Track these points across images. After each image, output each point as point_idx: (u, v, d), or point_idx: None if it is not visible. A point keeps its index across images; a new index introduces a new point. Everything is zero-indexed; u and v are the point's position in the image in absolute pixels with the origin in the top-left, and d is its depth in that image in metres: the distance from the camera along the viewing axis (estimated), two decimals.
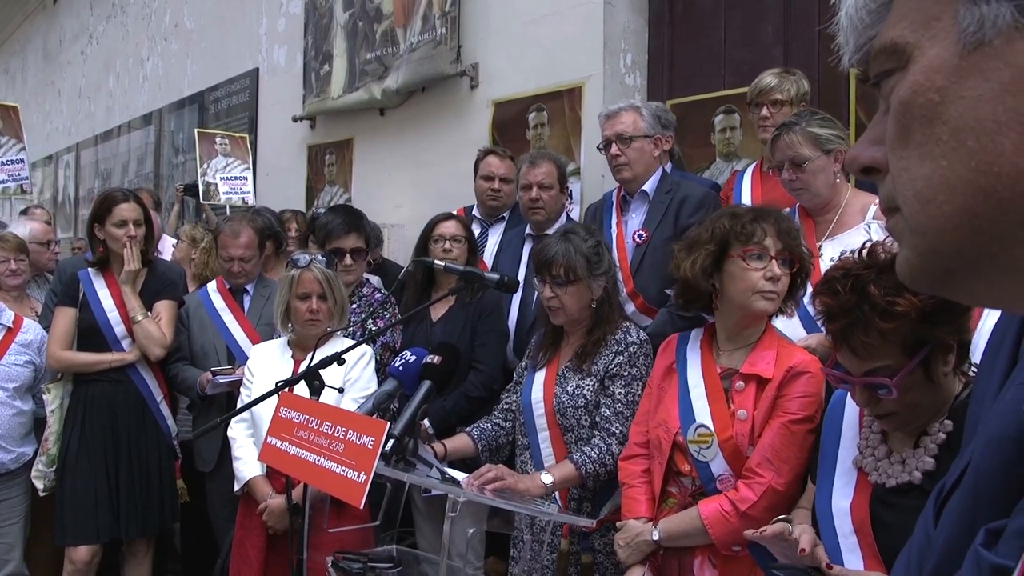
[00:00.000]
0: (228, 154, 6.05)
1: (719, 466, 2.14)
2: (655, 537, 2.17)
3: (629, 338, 2.57)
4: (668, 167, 3.43)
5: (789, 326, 2.42)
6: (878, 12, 0.62)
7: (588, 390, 2.55)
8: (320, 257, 3.11)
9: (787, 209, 2.78)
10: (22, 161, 5.95)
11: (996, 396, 0.69)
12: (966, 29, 0.55)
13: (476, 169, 4.03)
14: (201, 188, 5.99)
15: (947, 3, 0.56)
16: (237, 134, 6.44)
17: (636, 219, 3.26)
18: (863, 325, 1.62)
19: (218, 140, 6.10)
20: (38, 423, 3.70)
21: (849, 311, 1.64)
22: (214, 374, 3.48)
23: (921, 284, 0.62)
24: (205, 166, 6.00)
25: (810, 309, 2.25)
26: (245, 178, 5.99)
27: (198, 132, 6.22)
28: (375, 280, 4.06)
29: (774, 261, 2.14)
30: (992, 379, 0.73)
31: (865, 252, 1.73)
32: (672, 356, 2.34)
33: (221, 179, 5.89)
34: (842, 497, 1.79)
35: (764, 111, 3.14)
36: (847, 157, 0.69)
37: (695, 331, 2.37)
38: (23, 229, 4.56)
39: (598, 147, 3.39)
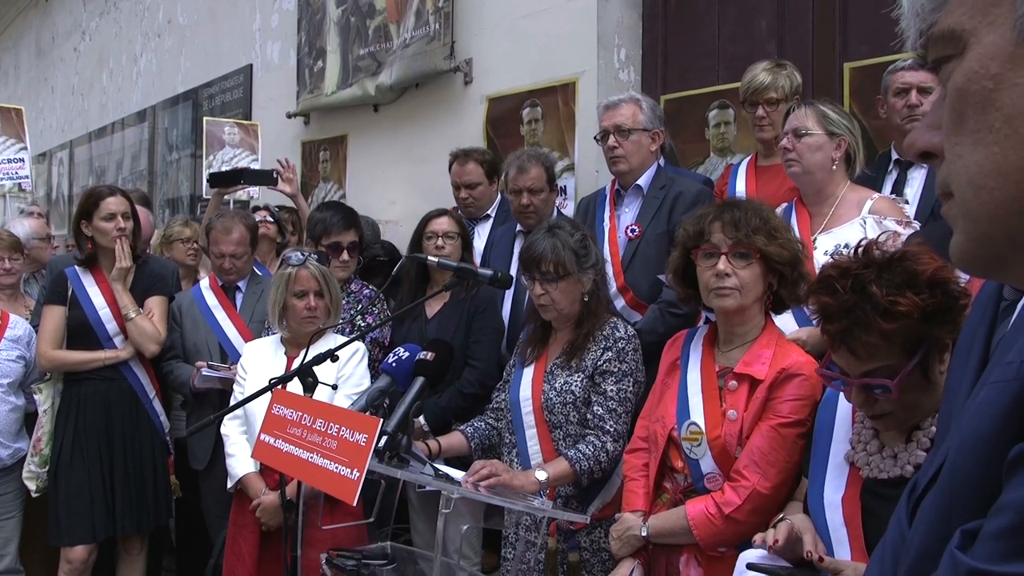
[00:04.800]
0: (236, 144, 5.84)
1: (708, 464, 2.14)
2: (644, 533, 2.18)
3: (617, 334, 2.56)
4: (661, 162, 3.42)
5: (780, 320, 2.41)
6: None
7: (576, 386, 2.54)
8: (312, 254, 3.11)
9: (783, 204, 2.79)
10: (22, 160, 5.88)
11: (968, 394, 0.69)
12: (1023, 16, 0.55)
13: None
14: (205, 184, 5.82)
15: None
16: (247, 122, 6.24)
17: (629, 213, 3.25)
18: (864, 325, 1.60)
19: (227, 129, 5.84)
20: (27, 418, 3.71)
21: (849, 311, 1.62)
22: (209, 367, 3.47)
23: (973, 269, 0.63)
24: (211, 158, 5.76)
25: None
26: None
27: (206, 120, 5.97)
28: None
29: (723, 256, 2.13)
30: (964, 377, 0.73)
31: (860, 251, 1.71)
32: (678, 352, 2.34)
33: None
34: (834, 491, 1.80)
35: (760, 111, 3.13)
36: (906, 141, 0.69)
37: (701, 328, 2.38)
38: (21, 228, 4.55)
39: (595, 138, 3.38)
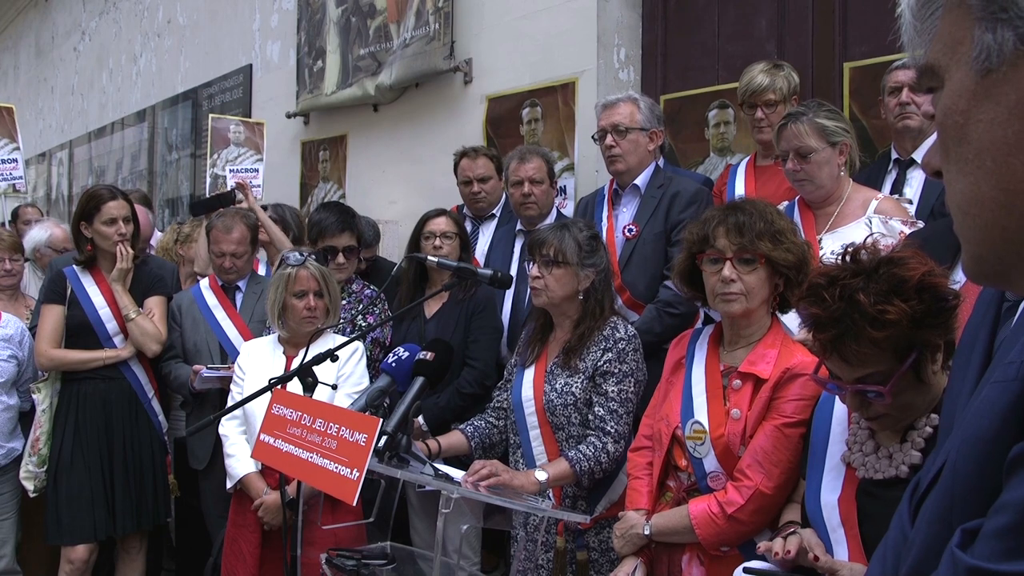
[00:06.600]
0: (241, 143, 5.73)
1: (711, 463, 2.14)
2: (646, 532, 2.18)
3: (617, 334, 2.56)
4: (660, 162, 3.42)
5: (785, 319, 2.40)
6: (924, 31, 0.66)
7: (577, 387, 2.54)
8: (311, 254, 3.11)
9: (784, 203, 2.79)
10: (15, 161, 5.84)
11: (971, 394, 0.70)
12: (978, 56, 0.58)
13: (455, 174, 4.02)
14: (208, 181, 5.76)
15: (968, 28, 0.59)
16: (253, 120, 6.12)
17: (627, 213, 3.25)
18: (854, 334, 1.59)
19: (232, 127, 5.72)
20: (22, 417, 3.70)
21: (838, 320, 1.61)
22: (208, 369, 3.47)
23: (981, 282, 0.67)
24: (215, 156, 5.63)
25: None
26: (256, 170, 5.60)
27: (212, 117, 5.85)
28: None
29: (728, 262, 2.12)
30: (967, 377, 0.73)
31: (848, 257, 1.70)
32: (683, 351, 2.35)
33: (230, 171, 5.49)
34: (830, 491, 1.80)
35: (758, 113, 3.12)
36: (923, 159, 0.73)
37: (707, 327, 2.38)
38: (41, 232, 4.52)
39: (593, 137, 3.38)
